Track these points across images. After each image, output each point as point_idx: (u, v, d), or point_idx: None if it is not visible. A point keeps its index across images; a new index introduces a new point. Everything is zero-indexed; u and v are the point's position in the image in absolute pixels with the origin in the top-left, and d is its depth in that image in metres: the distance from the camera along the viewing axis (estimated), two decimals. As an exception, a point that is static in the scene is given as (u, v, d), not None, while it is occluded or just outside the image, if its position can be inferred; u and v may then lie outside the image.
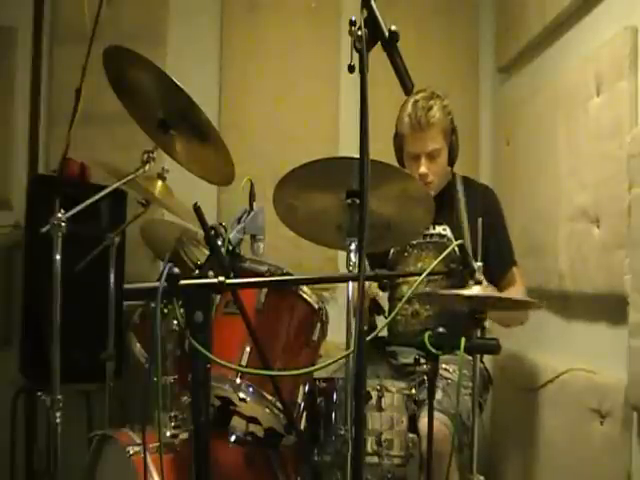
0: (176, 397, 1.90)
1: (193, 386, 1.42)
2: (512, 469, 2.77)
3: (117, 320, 2.48)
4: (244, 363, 1.87)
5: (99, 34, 2.26)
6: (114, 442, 1.89)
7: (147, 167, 2.21)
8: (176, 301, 1.45)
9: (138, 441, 1.82)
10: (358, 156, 1.21)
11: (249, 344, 1.87)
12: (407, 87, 1.24)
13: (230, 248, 1.62)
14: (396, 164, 2.45)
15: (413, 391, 1.96)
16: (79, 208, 1.98)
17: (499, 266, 2.31)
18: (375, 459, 1.85)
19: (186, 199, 2.12)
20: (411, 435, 1.92)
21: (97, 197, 2.07)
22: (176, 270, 1.37)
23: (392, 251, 2.50)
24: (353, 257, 1.82)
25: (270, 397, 1.88)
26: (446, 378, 2.22)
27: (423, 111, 2.36)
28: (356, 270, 1.78)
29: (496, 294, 1.84)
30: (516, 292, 2.37)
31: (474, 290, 1.73)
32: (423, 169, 2.38)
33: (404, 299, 1.82)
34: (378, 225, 1.92)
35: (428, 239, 2.44)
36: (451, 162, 2.47)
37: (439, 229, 2.43)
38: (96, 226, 2.56)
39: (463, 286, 1.77)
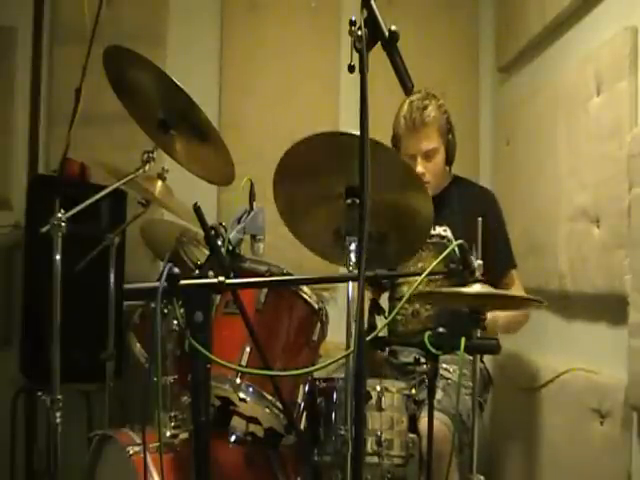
0: (176, 397, 1.90)
1: (193, 386, 1.42)
2: (512, 469, 2.77)
3: (117, 320, 2.48)
4: (244, 363, 1.87)
5: (99, 34, 2.26)
6: (114, 442, 1.89)
7: (147, 167, 2.21)
8: (176, 301, 1.45)
9: (138, 441, 1.82)
10: (357, 154, 1.21)
11: (249, 344, 1.86)
12: (407, 87, 1.24)
13: (230, 248, 1.62)
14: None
15: (413, 391, 1.96)
16: (79, 208, 1.98)
17: (497, 268, 2.31)
18: (375, 459, 1.85)
19: (186, 199, 2.13)
20: (411, 435, 1.92)
21: (97, 197, 2.07)
22: (176, 270, 1.37)
23: None
24: (353, 257, 1.82)
25: (270, 397, 1.87)
26: (446, 378, 2.22)
27: (418, 111, 2.37)
28: (356, 270, 1.78)
29: (498, 291, 1.84)
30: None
31: (475, 288, 1.73)
32: (420, 169, 2.39)
33: (404, 300, 1.82)
34: (375, 237, 1.91)
35: (429, 239, 2.44)
36: (449, 162, 2.48)
37: (439, 230, 2.44)
38: (96, 226, 2.56)
39: (463, 286, 1.77)
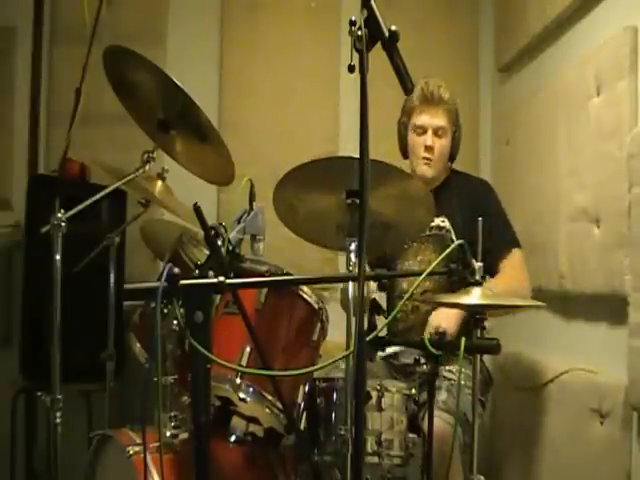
0: (176, 397, 1.90)
1: (193, 386, 1.42)
2: (512, 469, 2.77)
3: (117, 320, 2.48)
4: (244, 363, 1.87)
5: (99, 34, 2.27)
6: (114, 442, 1.89)
7: (147, 167, 2.21)
8: (176, 301, 1.45)
9: (138, 441, 1.82)
10: (358, 156, 1.21)
11: (249, 344, 1.86)
12: (407, 87, 1.24)
13: (230, 248, 1.62)
14: (396, 164, 2.45)
15: (413, 391, 1.96)
16: (79, 208, 1.97)
17: (500, 247, 2.29)
18: (375, 459, 1.85)
19: (186, 199, 2.12)
20: (411, 435, 1.92)
21: (97, 197, 2.06)
22: (176, 270, 1.37)
23: None
24: (353, 257, 1.82)
25: (270, 397, 1.87)
26: (449, 379, 2.22)
27: (435, 87, 2.40)
28: (356, 270, 1.78)
29: (494, 302, 1.83)
30: (517, 281, 2.35)
31: (473, 296, 1.72)
32: (430, 141, 2.39)
33: (404, 299, 1.81)
34: (378, 225, 1.92)
35: (427, 232, 2.44)
36: (452, 156, 2.48)
37: (438, 221, 2.42)
38: (96, 226, 2.56)
39: (463, 286, 1.77)
